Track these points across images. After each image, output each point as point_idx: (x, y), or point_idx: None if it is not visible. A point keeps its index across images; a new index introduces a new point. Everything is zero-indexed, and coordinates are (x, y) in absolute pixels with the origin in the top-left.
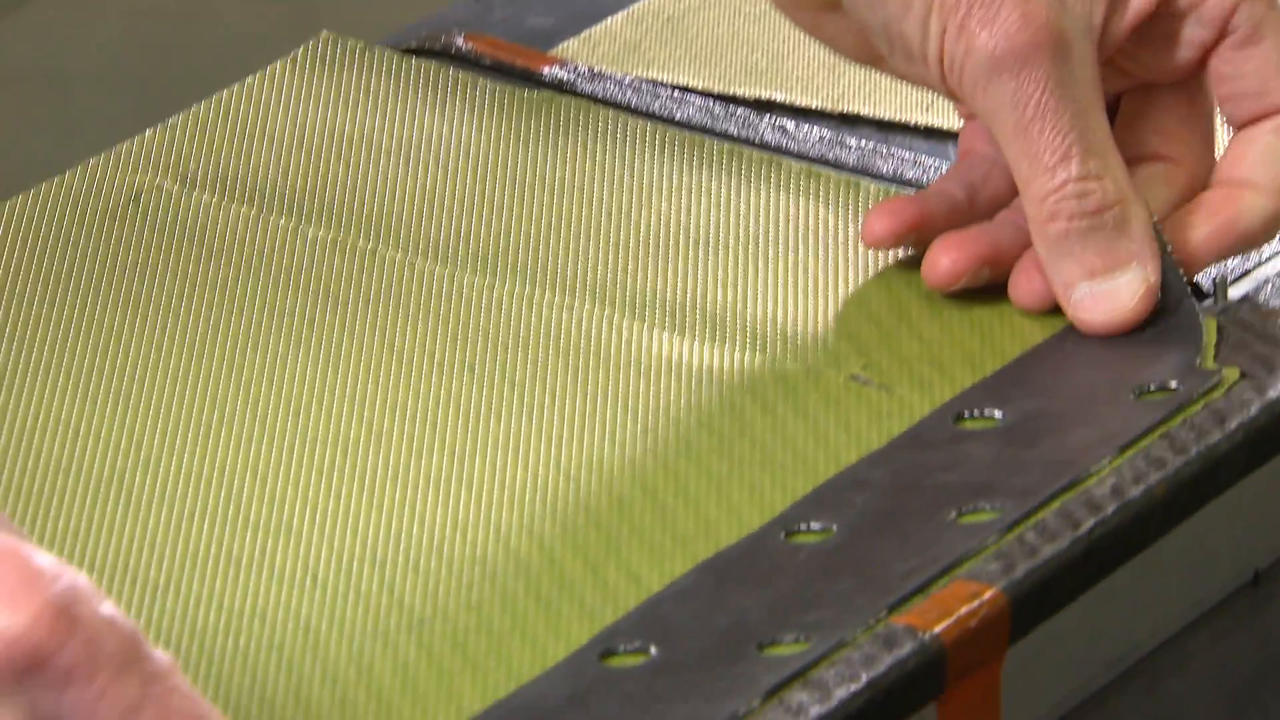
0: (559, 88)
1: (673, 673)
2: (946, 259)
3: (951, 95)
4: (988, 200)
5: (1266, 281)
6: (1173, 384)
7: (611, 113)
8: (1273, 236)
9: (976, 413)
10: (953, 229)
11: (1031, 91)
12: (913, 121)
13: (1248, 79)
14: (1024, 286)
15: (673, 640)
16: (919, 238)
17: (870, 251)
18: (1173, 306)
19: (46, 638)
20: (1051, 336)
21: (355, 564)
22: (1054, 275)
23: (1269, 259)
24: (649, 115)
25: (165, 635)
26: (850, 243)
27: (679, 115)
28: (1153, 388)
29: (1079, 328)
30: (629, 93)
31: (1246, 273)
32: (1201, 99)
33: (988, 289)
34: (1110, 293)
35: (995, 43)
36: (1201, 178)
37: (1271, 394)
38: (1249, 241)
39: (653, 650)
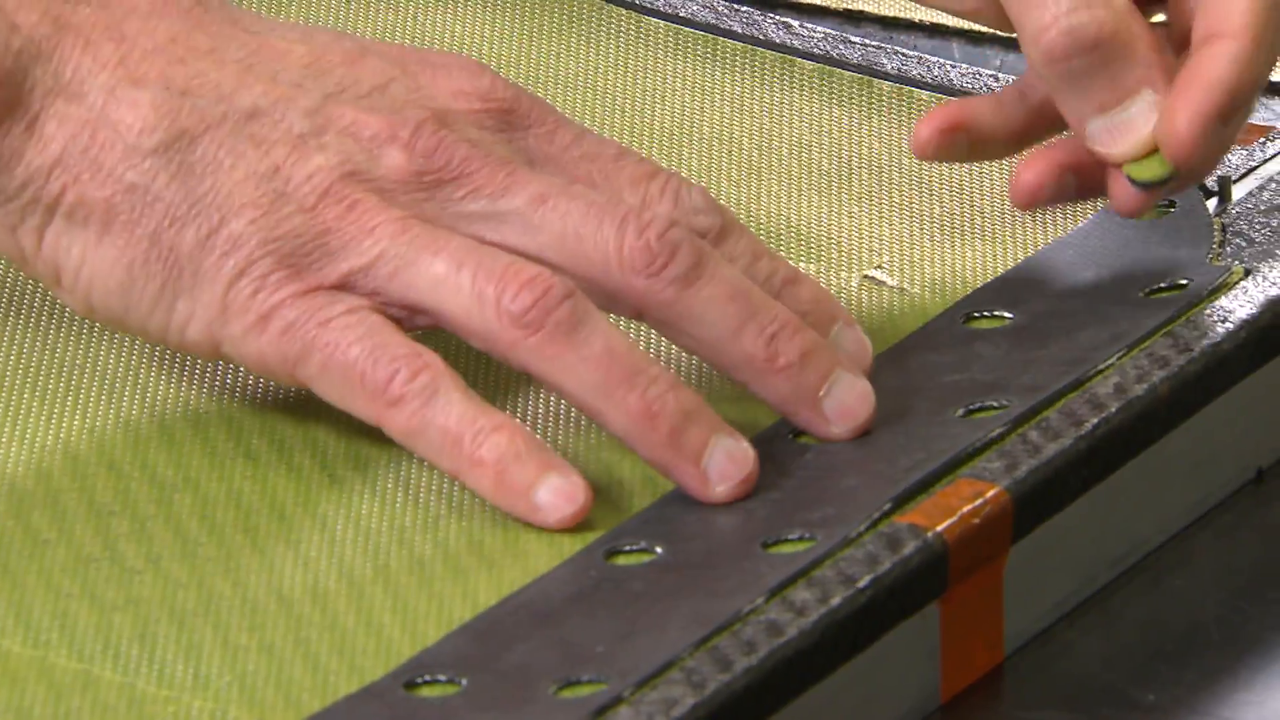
0: None
1: (678, 571)
2: (1028, 173)
3: None
4: (1043, 99)
5: (1270, 179)
6: (1183, 280)
7: (622, 10)
8: (1255, 84)
9: (986, 313)
10: (1007, 128)
11: None
12: (917, 18)
13: None
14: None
15: (678, 540)
16: (969, 138)
17: (883, 151)
18: (1183, 206)
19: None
20: (1063, 236)
21: (371, 463)
22: (1068, 114)
23: (1272, 157)
24: (654, 13)
25: (182, 533)
26: (863, 142)
27: (684, 13)
28: (1163, 285)
29: (1103, 161)
30: None
31: (1251, 170)
32: None
33: (999, 190)
34: (1125, 123)
35: None
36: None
37: (1275, 292)
38: (1231, 93)
39: (658, 550)
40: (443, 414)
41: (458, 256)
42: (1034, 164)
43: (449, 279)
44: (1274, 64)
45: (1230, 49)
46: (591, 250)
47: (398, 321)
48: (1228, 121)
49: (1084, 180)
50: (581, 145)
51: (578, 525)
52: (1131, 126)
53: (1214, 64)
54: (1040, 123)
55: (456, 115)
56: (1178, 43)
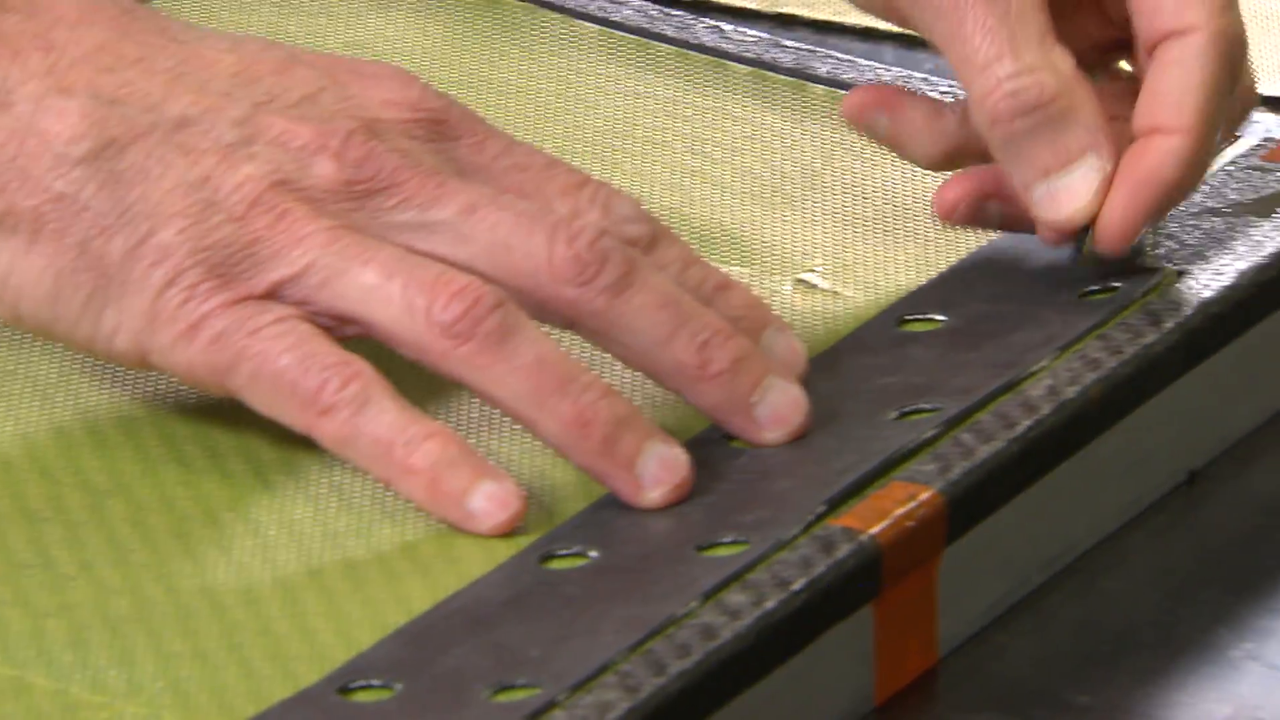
0: None
1: (612, 575)
2: (949, 191)
3: (890, 16)
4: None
5: (1202, 182)
6: (1115, 283)
7: (554, 15)
8: (1197, 178)
9: (920, 316)
10: (929, 118)
11: (954, 2)
12: (849, 23)
13: None
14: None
15: (613, 544)
16: (890, 118)
17: (816, 155)
18: None
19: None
20: (997, 238)
21: (304, 468)
22: (1013, 179)
23: None
24: (586, 17)
25: (115, 538)
26: (796, 145)
27: (616, 17)
28: (1096, 288)
29: (1045, 227)
30: None
31: None
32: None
33: (931, 193)
34: (1066, 188)
35: None
36: None
37: (1206, 294)
38: (1171, 192)
39: (593, 554)
40: (374, 422)
41: (388, 266)
42: (957, 183)
43: (379, 289)
44: (1213, 157)
45: (1176, 147)
46: (521, 260)
47: (327, 331)
48: (1163, 213)
49: (1009, 212)
50: (512, 155)
51: (512, 530)
52: (1073, 192)
53: (1158, 161)
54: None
55: (386, 125)
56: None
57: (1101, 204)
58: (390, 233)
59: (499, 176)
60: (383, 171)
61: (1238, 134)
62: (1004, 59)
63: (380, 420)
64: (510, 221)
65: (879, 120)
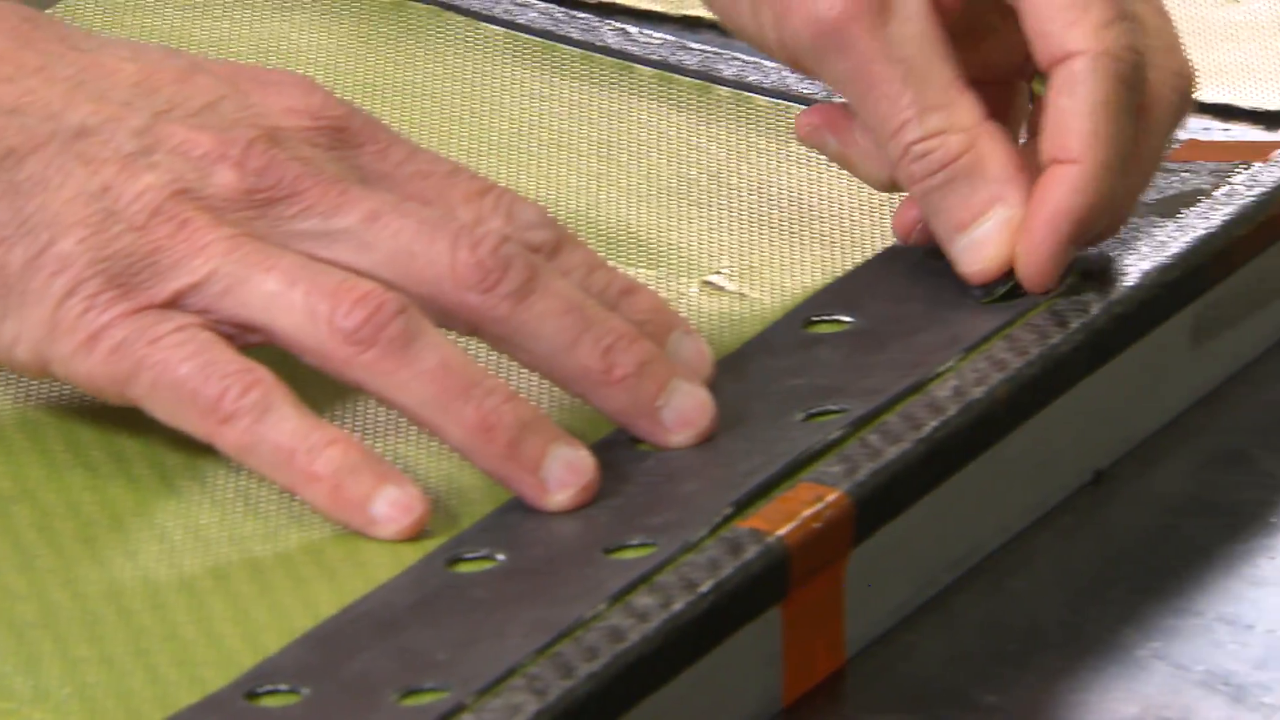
0: None
1: (520, 578)
2: (907, 211)
3: (799, 70)
4: None
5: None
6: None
7: (459, 18)
8: (1111, 204)
9: (826, 317)
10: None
11: (857, 65)
12: None
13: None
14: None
15: (520, 547)
16: (837, 139)
17: (722, 156)
18: None
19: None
20: (901, 242)
21: (210, 473)
22: (935, 233)
23: None
24: (492, 19)
25: (20, 544)
26: (702, 147)
27: (521, 19)
28: (1000, 291)
29: (968, 280)
30: None
31: None
32: None
33: (837, 195)
34: (978, 243)
35: (812, 27)
36: None
37: (1111, 295)
38: (1078, 222)
39: (500, 557)
40: (275, 429)
41: (290, 273)
42: (911, 205)
43: (281, 296)
44: (1118, 176)
45: (1074, 176)
46: (424, 267)
47: (229, 339)
48: (1079, 241)
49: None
50: (414, 162)
51: (416, 535)
52: (984, 246)
53: (1059, 192)
54: None
55: (288, 133)
56: None
57: (1012, 251)
58: (292, 241)
59: (402, 184)
60: (284, 180)
61: (1173, 144)
62: (908, 125)
63: (282, 427)
64: (413, 229)
65: (828, 141)
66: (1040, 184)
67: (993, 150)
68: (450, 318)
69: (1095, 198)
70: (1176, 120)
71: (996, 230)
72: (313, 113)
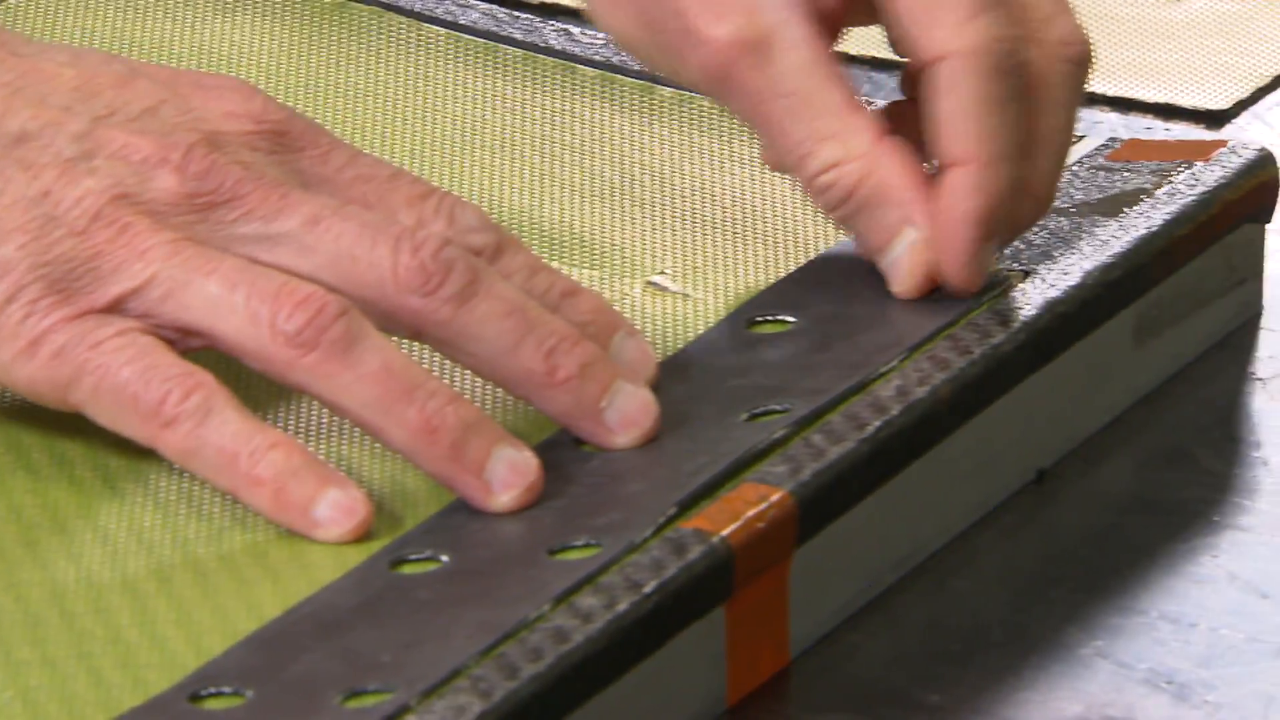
0: None
1: (464, 579)
2: None
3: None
4: None
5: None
6: None
7: (402, 19)
8: (1000, 196)
9: (770, 317)
10: None
11: (750, 105)
12: None
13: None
14: None
15: (464, 548)
16: None
17: (665, 157)
18: None
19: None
20: (845, 240)
21: (153, 476)
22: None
23: None
24: (434, 20)
25: None
26: (645, 148)
27: (464, 20)
28: (944, 291)
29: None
30: None
31: None
32: None
33: (780, 196)
34: (897, 264)
35: (701, 73)
36: None
37: (1053, 294)
38: (982, 222)
39: (444, 558)
40: (217, 433)
41: (231, 277)
42: None
43: (223, 300)
44: (1016, 165)
45: (968, 178)
46: (366, 271)
47: (171, 344)
48: (992, 238)
49: None
50: (356, 166)
51: (360, 537)
52: (900, 267)
53: (958, 197)
54: None
55: (228, 137)
56: None
57: (927, 268)
58: (234, 245)
59: (343, 188)
60: (225, 184)
61: (1080, 135)
62: (805, 159)
63: (224, 431)
64: (354, 232)
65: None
66: (940, 190)
67: (891, 171)
68: (393, 321)
69: (995, 194)
70: (1074, 88)
71: (909, 253)
72: (253, 117)
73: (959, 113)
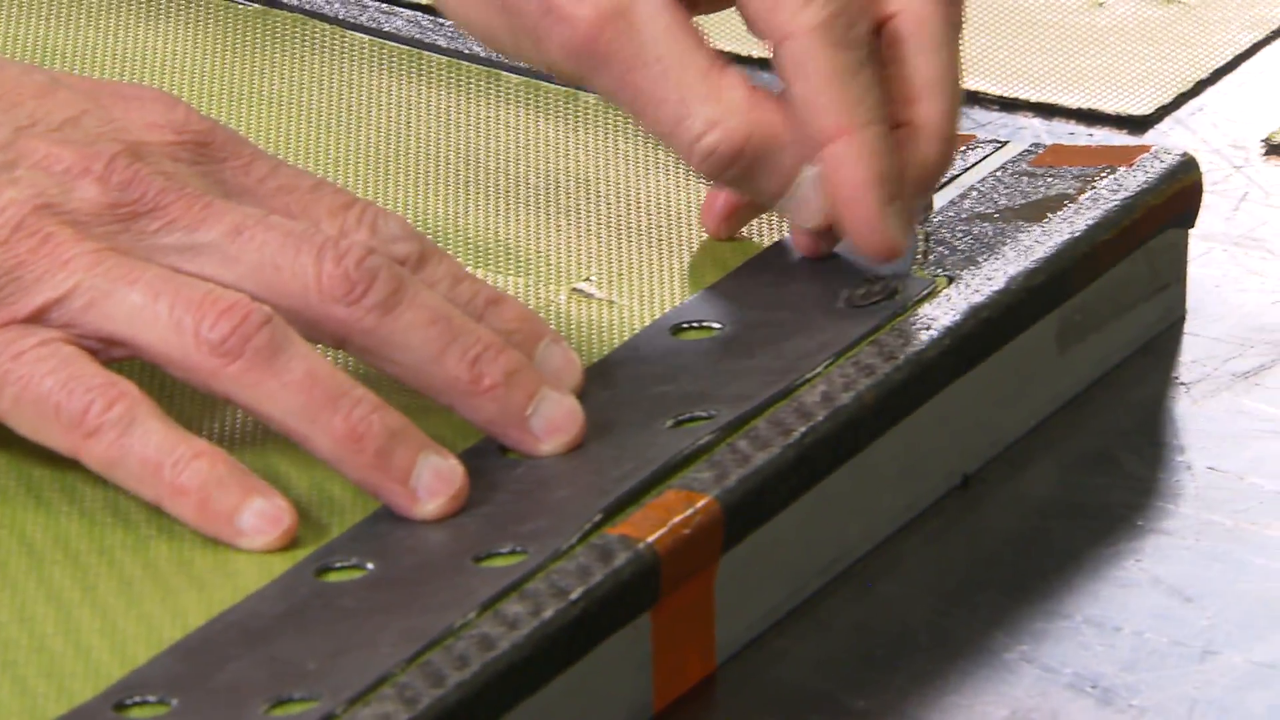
0: (267, 0)
1: (389, 587)
2: (719, 201)
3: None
4: None
5: (971, 188)
6: (888, 290)
7: (325, 26)
8: (882, 159)
9: (695, 324)
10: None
11: (618, 77)
12: None
13: None
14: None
15: (389, 556)
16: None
17: (590, 164)
18: None
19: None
20: (770, 247)
21: (78, 485)
22: (756, 203)
23: (973, 166)
24: (358, 28)
25: None
26: (569, 155)
27: (388, 27)
28: (868, 295)
29: (803, 236)
30: (336, 6)
31: (952, 179)
32: None
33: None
34: (800, 202)
35: (565, 50)
36: None
37: (977, 299)
38: (876, 186)
39: (369, 566)
40: (141, 443)
41: (154, 286)
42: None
43: (146, 309)
44: (886, 124)
45: (846, 150)
46: (290, 280)
47: (95, 354)
48: (895, 198)
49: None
50: (278, 177)
51: (285, 546)
52: (807, 203)
53: (845, 171)
54: None
55: (151, 148)
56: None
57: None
58: (157, 255)
59: (266, 198)
60: (147, 194)
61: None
62: (683, 124)
63: (147, 440)
64: (277, 242)
65: (738, 223)
66: (826, 169)
67: (774, 117)
68: (317, 330)
69: (879, 158)
70: (947, 26)
71: (811, 188)
72: (175, 127)
73: (814, 91)
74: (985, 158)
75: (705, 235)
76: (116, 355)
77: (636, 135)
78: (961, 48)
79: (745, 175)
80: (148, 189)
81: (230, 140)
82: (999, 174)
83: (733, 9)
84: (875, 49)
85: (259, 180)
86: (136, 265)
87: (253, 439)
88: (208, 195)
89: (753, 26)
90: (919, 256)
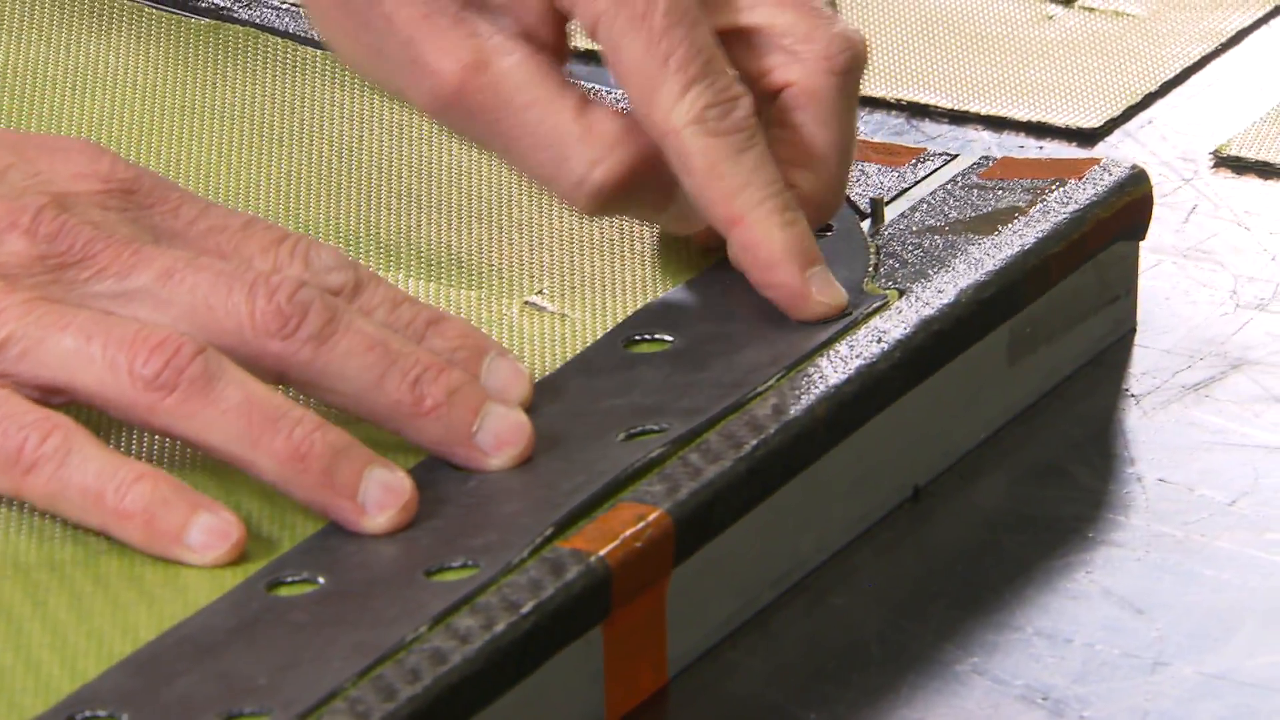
0: (216, 14)
1: (340, 601)
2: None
3: None
4: None
5: (921, 201)
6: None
7: (277, 40)
8: (797, 220)
9: (647, 336)
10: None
11: (486, 127)
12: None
13: None
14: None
15: (341, 570)
16: None
17: None
18: (840, 229)
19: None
20: (723, 260)
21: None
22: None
23: (924, 179)
24: (310, 42)
25: None
26: None
27: None
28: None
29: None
30: (287, 19)
31: (903, 192)
32: None
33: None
34: (682, 213)
35: (431, 102)
36: None
37: (928, 312)
38: (794, 254)
39: (321, 580)
40: (80, 472)
41: (86, 329)
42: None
43: (79, 352)
44: (780, 198)
45: (751, 233)
46: (224, 319)
47: (35, 403)
48: (814, 263)
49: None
50: (208, 218)
51: (235, 560)
52: (686, 214)
53: (758, 250)
54: None
55: (77, 198)
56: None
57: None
58: (89, 302)
59: (197, 240)
60: (76, 244)
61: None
62: (561, 166)
63: (86, 469)
64: (209, 282)
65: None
66: (740, 253)
67: (649, 143)
68: (255, 366)
69: (781, 231)
70: (845, 97)
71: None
72: (101, 176)
73: (701, 184)
74: (935, 171)
75: (657, 248)
76: (56, 402)
77: None
78: (857, 118)
79: (629, 203)
80: (76, 239)
81: (157, 186)
82: (949, 187)
83: None
84: (765, 120)
85: (188, 223)
86: (67, 311)
87: (197, 461)
88: (136, 241)
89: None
90: (870, 270)
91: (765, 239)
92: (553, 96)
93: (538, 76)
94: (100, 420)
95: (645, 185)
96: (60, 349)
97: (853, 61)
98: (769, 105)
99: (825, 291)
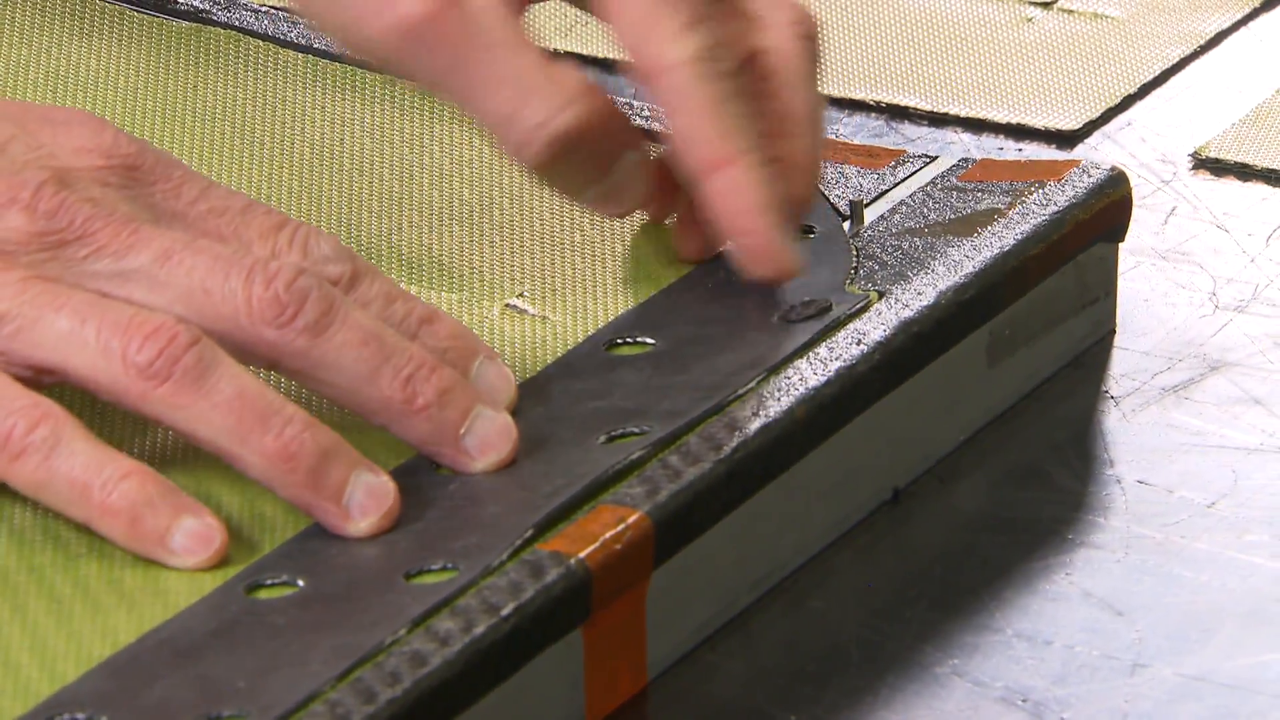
0: (195, 17)
1: (320, 604)
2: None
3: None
4: None
5: (901, 202)
6: (820, 305)
7: (259, 42)
8: (772, 182)
9: (628, 339)
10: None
11: (450, 61)
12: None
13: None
14: (684, 241)
15: (320, 573)
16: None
17: (523, 180)
18: (822, 231)
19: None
20: (704, 263)
21: (6, 502)
22: (563, 189)
23: (903, 181)
24: (291, 45)
25: None
26: (504, 171)
27: (320, 44)
28: (800, 311)
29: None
30: (265, 22)
31: (882, 193)
32: None
33: (639, 218)
34: (618, 187)
35: (395, 31)
36: None
37: (908, 314)
38: (765, 207)
39: (300, 583)
40: (67, 463)
41: (80, 311)
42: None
43: (74, 334)
44: (760, 155)
45: (733, 178)
46: (220, 304)
47: (26, 382)
48: (786, 221)
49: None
50: (209, 199)
51: (216, 564)
52: (621, 190)
53: (734, 197)
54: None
55: (78, 174)
56: None
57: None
58: (86, 281)
59: (196, 221)
60: (75, 222)
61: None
62: (520, 110)
63: (74, 461)
64: (207, 265)
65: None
66: (709, 198)
67: (607, 104)
68: (249, 353)
69: (758, 185)
70: (811, 61)
71: (629, 173)
72: (103, 151)
73: (695, 122)
74: (915, 173)
75: (638, 250)
76: (47, 382)
77: None
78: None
79: (570, 164)
80: (75, 216)
81: (160, 163)
82: (928, 189)
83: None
84: (746, 83)
85: (189, 203)
86: (63, 291)
87: (183, 456)
88: (136, 221)
89: (631, 55)
90: (850, 271)
91: (748, 185)
92: (521, 41)
93: (508, 21)
94: (91, 403)
95: (592, 150)
96: (55, 330)
97: (815, 28)
98: (745, 74)
99: (793, 250)
